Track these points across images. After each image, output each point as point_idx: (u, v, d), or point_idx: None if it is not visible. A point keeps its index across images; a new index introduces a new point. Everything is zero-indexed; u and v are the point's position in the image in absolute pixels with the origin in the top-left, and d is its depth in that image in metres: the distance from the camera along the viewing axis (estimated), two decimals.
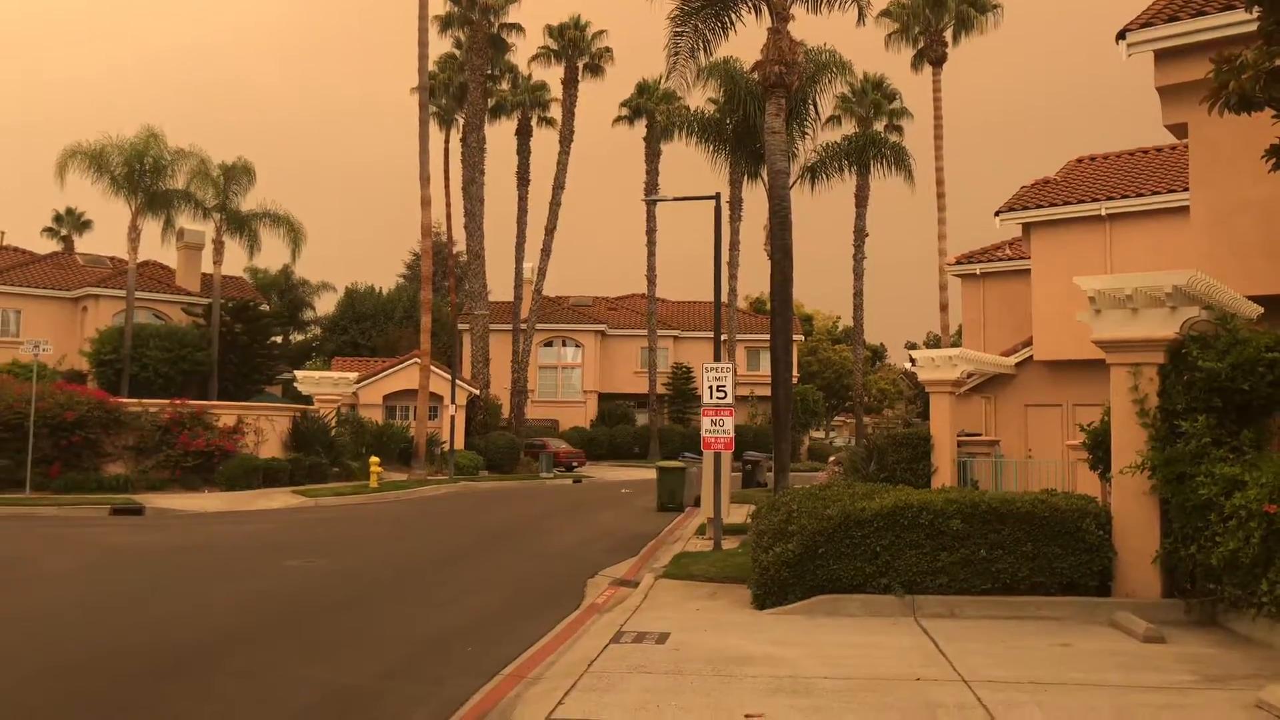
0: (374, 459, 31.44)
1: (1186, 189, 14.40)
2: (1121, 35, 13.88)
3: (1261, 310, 11.75)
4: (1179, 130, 14.13)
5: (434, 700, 7.86)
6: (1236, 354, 10.20)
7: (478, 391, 46.02)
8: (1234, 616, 9.90)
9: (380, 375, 45.22)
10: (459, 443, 41.51)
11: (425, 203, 37.90)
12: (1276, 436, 10.55)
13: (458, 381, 41.98)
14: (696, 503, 24.50)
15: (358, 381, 43.37)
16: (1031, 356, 21.49)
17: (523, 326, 50.88)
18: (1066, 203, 21.12)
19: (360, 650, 9.64)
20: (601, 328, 65.13)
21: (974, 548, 10.86)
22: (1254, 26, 7.93)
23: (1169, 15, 13.64)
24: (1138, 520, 10.79)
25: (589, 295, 70.26)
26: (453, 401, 39.62)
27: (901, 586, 10.84)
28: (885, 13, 47.01)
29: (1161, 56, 13.64)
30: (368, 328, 64.00)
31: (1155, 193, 19.98)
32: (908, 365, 21.60)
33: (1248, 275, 12.26)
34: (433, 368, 39.74)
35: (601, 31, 51.21)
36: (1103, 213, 20.54)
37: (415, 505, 27.77)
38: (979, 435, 20.93)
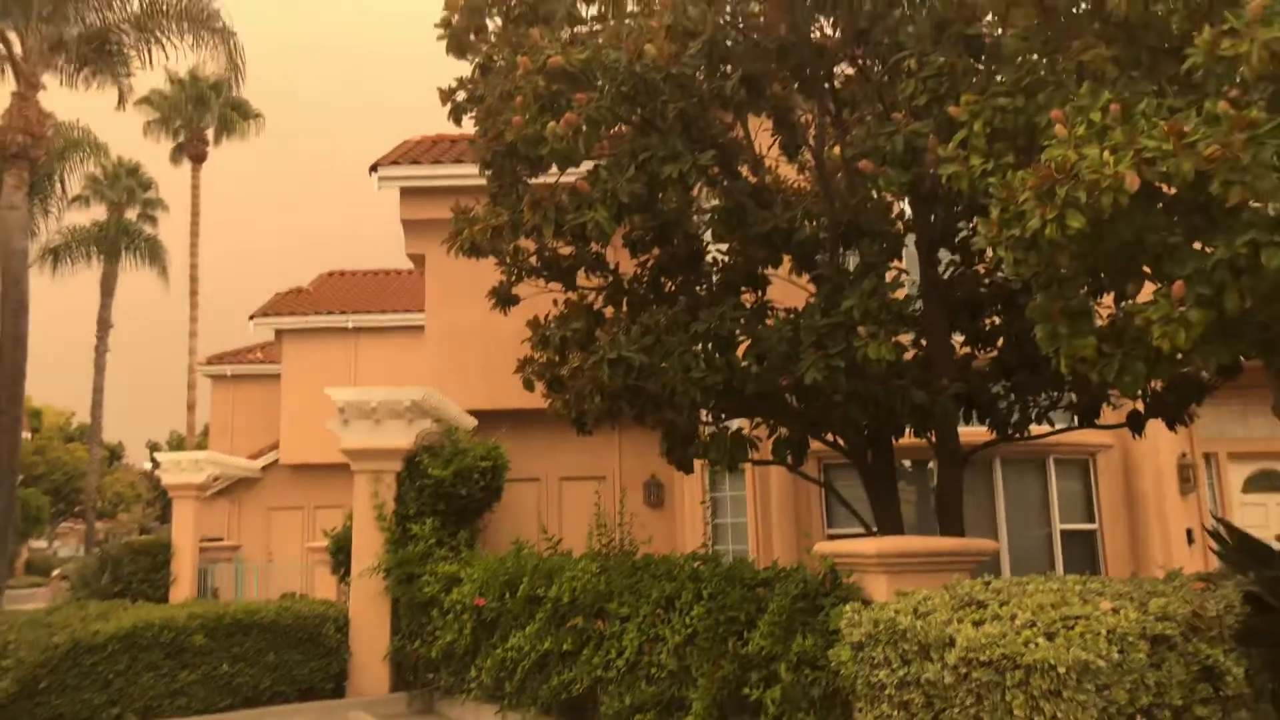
0: None
1: (424, 310, 16.09)
2: (374, 168, 15.17)
3: (477, 423, 13.53)
4: (419, 260, 15.78)
5: None
6: (458, 462, 11.67)
7: None
8: (449, 703, 11.02)
9: None
10: None
11: None
12: (482, 534, 12.25)
13: None
14: None
15: None
16: (278, 460, 21.83)
17: None
18: (318, 313, 22.20)
19: None
20: None
21: (216, 663, 10.62)
22: (483, 180, 9.25)
23: (412, 158, 15.31)
24: (372, 621, 11.54)
25: None
26: None
27: (135, 714, 10.11)
28: (146, 99, 44.78)
29: (406, 193, 15.13)
30: None
31: (396, 311, 21.99)
32: (149, 466, 20.46)
33: (469, 392, 14.02)
34: None
35: None
36: (350, 325, 21.99)
37: None
38: (221, 540, 20.53)
